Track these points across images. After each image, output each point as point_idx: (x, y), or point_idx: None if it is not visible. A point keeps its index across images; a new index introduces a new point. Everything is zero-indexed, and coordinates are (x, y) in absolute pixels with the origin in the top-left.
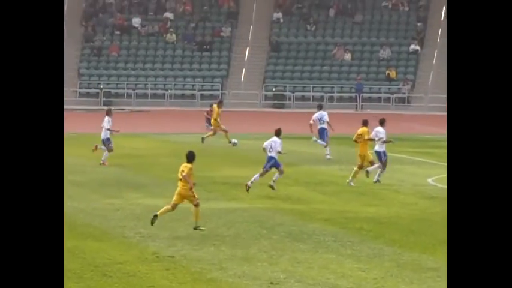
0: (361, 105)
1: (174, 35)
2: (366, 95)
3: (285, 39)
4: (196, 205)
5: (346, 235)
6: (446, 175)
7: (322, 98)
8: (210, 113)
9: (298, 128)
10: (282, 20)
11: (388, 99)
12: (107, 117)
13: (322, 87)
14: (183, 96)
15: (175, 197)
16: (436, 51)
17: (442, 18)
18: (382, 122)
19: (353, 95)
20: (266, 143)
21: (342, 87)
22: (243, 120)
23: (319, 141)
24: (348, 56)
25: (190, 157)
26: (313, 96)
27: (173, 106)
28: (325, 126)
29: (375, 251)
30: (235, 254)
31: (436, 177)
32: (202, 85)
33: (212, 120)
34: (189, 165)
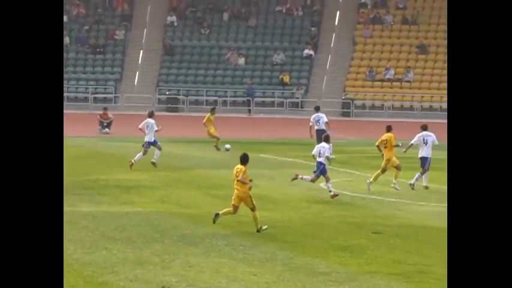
0: (254, 109)
1: (67, 38)
2: (259, 100)
3: (179, 43)
4: (253, 209)
5: (238, 239)
6: (338, 179)
7: (215, 102)
8: (103, 116)
9: (192, 132)
10: (176, 24)
11: (281, 104)
12: (152, 120)
13: (216, 91)
14: (76, 99)
15: (234, 200)
16: (329, 56)
17: (336, 23)
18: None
19: (246, 99)
20: (315, 150)
21: (235, 91)
22: (136, 123)
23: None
24: (241, 60)
25: (244, 159)
26: (206, 100)
27: (66, 109)
28: (323, 127)
29: (267, 255)
30: (127, 258)
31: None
32: (96, 88)
33: (209, 130)
34: (243, 167)
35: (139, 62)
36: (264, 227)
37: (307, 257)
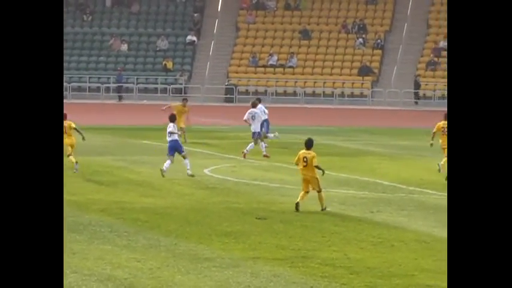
0: (123, 95)
1: None
2: (142, 86)
3: None
4: (319, 191)
5: (122, 226)
6: (221, 165)
7: (98, 89)
8: None
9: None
10: None
11: (164, 90)
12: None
13: (99, 77)
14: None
15: (303, 185)
16: (212, 42)
17: (219, 9)
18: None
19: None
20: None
21: (126, 78)
22: None
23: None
24: (124, 47)
25: (310, 143)
26: (89, 87)
27: None
28: (266, 117)
29: (151, 241)
30: None
31: (212, 168)
32: None
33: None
34: (313, 153)
35: None
36: (328, 208)
37: (191, 243)
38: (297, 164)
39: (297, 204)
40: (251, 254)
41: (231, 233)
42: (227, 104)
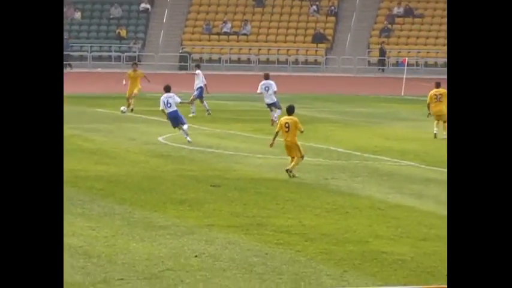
0: (69, 63)
1: None
2: (96, 54)
3: None
4: (302, 157)
5: (76, 194)
6: (176, 133)
7: (67, 57)
8: None
9: None
10: None
11: (118, 58)
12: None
13: None
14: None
15: (287, 152)
16: (166, 10)
17: None
18: None
19: (84, 54)
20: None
21: (72, 46)
22: None
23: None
24: (78, 15)
25: (292, 110)
26: (65, 55)
27: None
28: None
29: (105, 209)
30: None
31: (166, 136)
32: None
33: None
34: (295, 118)
35: None
36: (296, 175)
37: (145, 211)
38: (276, 132)
39: (288, 171)
40: (206, 222)
41: (185, 201)
42: (181, 72)
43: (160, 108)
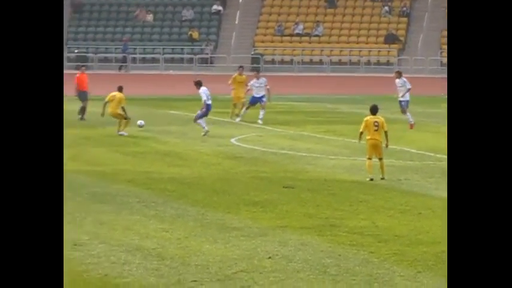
0: (129, 65)
1: None
2: (168, 56)
3: (87, 0)
4: (381, 158)
5: (150, 196)
6: (248, 135)
7: (124, 59)
8: None
9: (101, 90)
10: None
11: (190, 60)
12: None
13: (125, 49)
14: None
15: (369, 151)
16: (238, 12)
17: None
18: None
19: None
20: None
21: (144, 48)
22: None
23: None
24: (150, 17)
25: (376, 109)
26: (115, 58)
27: None
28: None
29: (178, 211)
30: None
31: (239, 137)
32: None
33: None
34: (382, 118)
35: None
36: (385, 177)
37: (218, 213)
38: (361, 132)
39: (372, 179)
40: (279, 223)
41: (258, 202)
42: (253, 73)
43: (204, 98)
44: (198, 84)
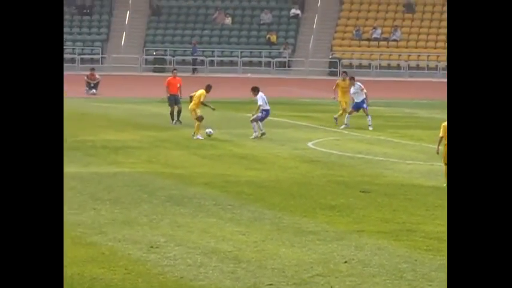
0: (195, 68)
1: None
2: (246, 59)
3: (166, 3)
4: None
5: (226, 199)
6: (325, 139)
7: (202, 62)
8: (90, 77)
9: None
10: None
11: (268, 64)
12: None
13: (203, 51)
14: (63, 60)
15: (444, 158)
16: (316, 16)
17: None
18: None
19: (191, 58)
20: None
21: (222, 51)
22: (123, 84)
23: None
24: (228, 20)
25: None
26: (193, 60)
27: None
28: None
29: (255, 214)
30: (115, 218)
31: (316, 141)
32: (83, 49)
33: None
34: None
35: (126, 22)
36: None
37: (295, 216)
38: (441, 138)
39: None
40: (355, 227)
41: (335, 207)
42: (331, 78)
43: (260, 103)
44: (256, 90)
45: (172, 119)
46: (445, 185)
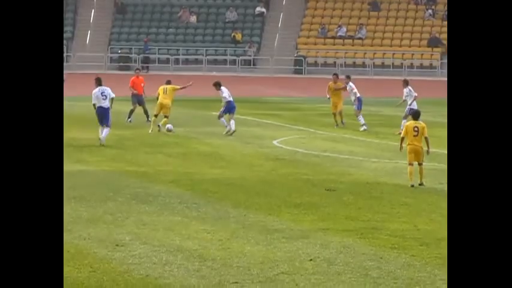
0: (147, 66)
1: None
2: (211, 58)
3: (131, 1)
4: (421, 164)
5: (191, 197)
6: (291, 137)
7: (167, 60)
8: None
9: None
10: None
11: (234, 62)
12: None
13: (168, 49)
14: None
15: (410, 156)
16: (281, 14)
17: None
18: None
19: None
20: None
21: (187, 49)
22: (88, 82)
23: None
24: (193, 18)
25: (418, 114)
26: (158, 59)
27: None
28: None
29: (220, 212)
30: (80, 216)
31: (281, 139)
32: None
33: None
34: (423, 123)
35: (91, 20)
36: (424, 183)
37: (260, 215)
38: (402, 138)
39: (421, 184)
40: (321, 225)
41: (300, 205)
42: (296, 76)
43: (224, 95)
44: (218, 85)
45: (129, 117)
46: (410, 185)
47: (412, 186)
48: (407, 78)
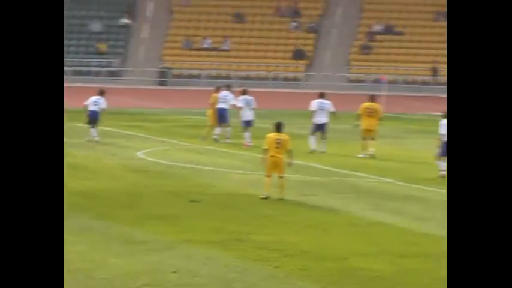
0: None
1: None
2: (76, 69)
3: None
4: (282, 177)
5: None
6: (155, 148)
7: None
8: None
9: None
10: None
11: (97, 73)
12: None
13: None
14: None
15: (268, 168)
16: (147, 25)
17: None
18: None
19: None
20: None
21: None
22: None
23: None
24: None
25: (281, 126)
26: None
27: None
28: (224, 106)
29: (84, 224)
30: None
31: (145, 151)
32: None
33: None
34: (286, 136)
35: None
36: (284, 198)
37: (124, 226)
38: (265, 149)
39: (267, 197)
40: (184, 237)
41: (164, 216)
42: (161, 87)
43: (87, 103)
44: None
45: None
46: (262, 197)
47: (266, 198)
48: (272, 90)
